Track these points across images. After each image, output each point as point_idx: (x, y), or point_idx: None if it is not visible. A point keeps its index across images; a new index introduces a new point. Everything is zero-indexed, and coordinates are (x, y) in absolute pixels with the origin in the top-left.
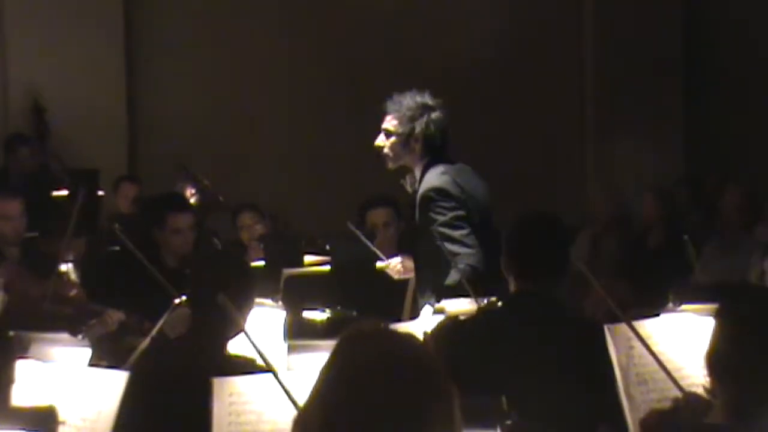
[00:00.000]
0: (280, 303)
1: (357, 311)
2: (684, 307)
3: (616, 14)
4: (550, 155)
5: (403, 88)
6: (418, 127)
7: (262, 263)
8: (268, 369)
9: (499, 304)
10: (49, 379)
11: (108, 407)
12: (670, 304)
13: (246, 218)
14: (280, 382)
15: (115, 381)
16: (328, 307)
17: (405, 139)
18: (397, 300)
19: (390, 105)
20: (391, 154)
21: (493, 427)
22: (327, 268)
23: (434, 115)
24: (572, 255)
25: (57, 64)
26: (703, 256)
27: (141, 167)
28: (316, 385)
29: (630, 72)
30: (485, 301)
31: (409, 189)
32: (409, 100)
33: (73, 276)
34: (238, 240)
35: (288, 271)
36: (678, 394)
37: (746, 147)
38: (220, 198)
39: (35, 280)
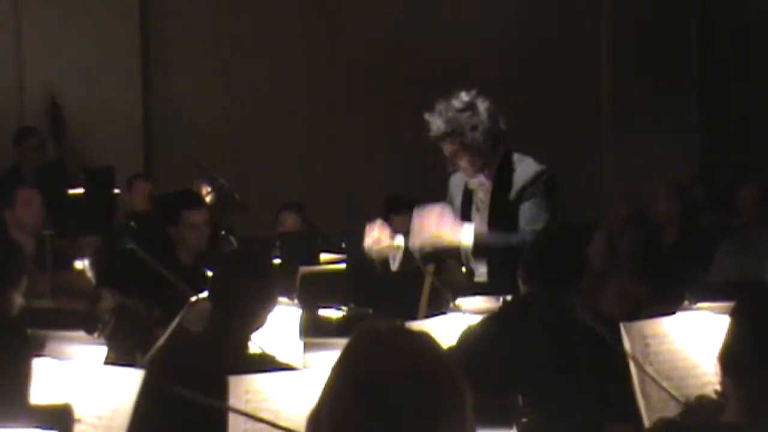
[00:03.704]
0: (296, 301)
1: (372, 309)
2: (700, 305)
3: (632, 12)
4: (565, 153)
5: (419, 83)
6: (481, 128)
7: (278, 261)
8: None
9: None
10: (64, 377)
11: (123, 405)
12: (686, 302)
13: (288, 218)
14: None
15: (131, 378)
16: (343, 305)
17: (477, 147)
18: (413, 298)
19: (439, 130)
20: (471, 167)
21: (509, 426)
22: (343, 266)
23: (483, 107)
24: (588, 253)
25: (73, 62)
26: (718, 253)
27: (157, 165)
28: (327, 384)
29: (645, 70)
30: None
31: (477, 184)
32: (452, 112)
33: (89, 274)
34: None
35: (304, 269)
36: (690, 393)
37: (762, 144)
38: (236, 196)
39: (45, 278)
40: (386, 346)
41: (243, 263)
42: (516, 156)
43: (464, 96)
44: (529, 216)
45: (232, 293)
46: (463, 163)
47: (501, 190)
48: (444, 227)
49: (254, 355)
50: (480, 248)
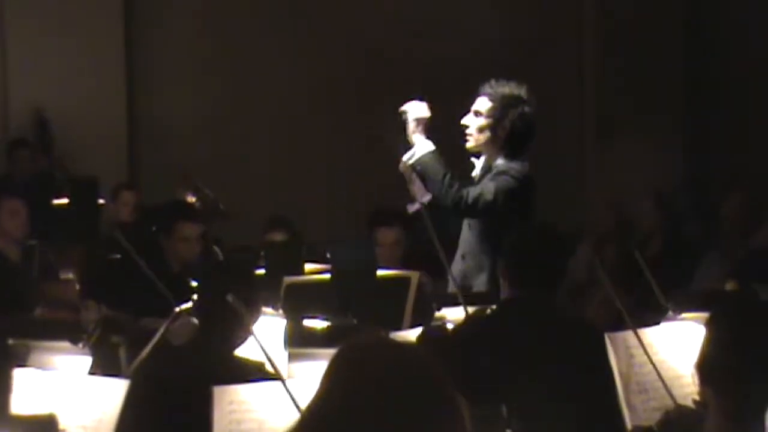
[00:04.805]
0: (280, 311)
1: (357, 319)
2: (684, 315)
3: (617, 17)
4: (549, 162)
5: (403, 90)
6: (510, 116)
7: (262, 271)
8: (276, 375)
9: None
10: (49, 387)
11: (108, 415)
12: (670, 312)
13: (276, 236)
14: (287, 390)
15: (115, 389)
16: (328, 315)
17: (493, 124)
18: (398, 308)
19: (486, 87)
20: (475, 135)
21: None
22: (327, 276)
23: (527, 109)
24: (573, 263)
25: (58, 74)
26: (703, 263)
27: (141, 175)
28: (314, 399)
29: (630, 77)
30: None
31: (474, 173)
32: (506, 88)
33: (75, 285)
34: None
35: (288, 279)
36: (678, 402)
37: (748, 152)
38: (221, 205)
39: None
40: (373, 357)
41: (225, 274)
42: (514, 160)
43: (524, 90)
44: (477, 187)
45: (216, 305)
46: (474, 125)
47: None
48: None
49: (240, 361)
50: (423, 165)
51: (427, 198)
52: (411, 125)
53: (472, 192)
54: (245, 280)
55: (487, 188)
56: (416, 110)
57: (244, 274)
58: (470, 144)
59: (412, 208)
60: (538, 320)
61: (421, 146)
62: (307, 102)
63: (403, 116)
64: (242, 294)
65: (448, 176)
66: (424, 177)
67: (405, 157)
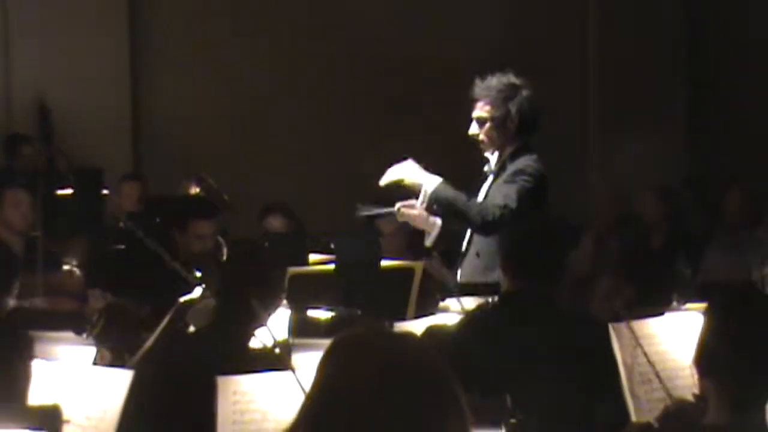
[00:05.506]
0: (284, 301)
1: (361, 310)
2: (688, 306)
3: (619, 12)
4: (552, 155)
5: (405, 86)
6: (513, 107)
7: None
8: (287, 365)
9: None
10: (53, 378)
11: (113, 406)
12: (674, 303)
13: (273, 222)
14: (298, 380)
15: (120, 379)
16: (332, 306)
17: (501, 122)
18: (402, 299)
19: (479, 91)
20: (487, 141)
21: (498, 425)
22: (331, 266)
23: (525, 93)
24: (576, 256)
25: (62, 65)
26: (707, 254)
27: (145, 166)
28: (311, 390)
29: (633, 70)
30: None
31: (486, 169)
32: (497, 82)
33: (78, 275)
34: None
35: (293, 270)
36: (679, 394)
37: (750, 146)
38: (225, 196)
39: (36, 280)
40: (372, 348)
41: (247, 260)
42: (527, 155)
43: (513, 76)
44: (497, 195)
45: (235, 289)
46: (482, 133)
47: (496, 181)
48: (413, 171)
49: (254, 351)
50: (439, 200)
51: (436, 230)
52: (411, 179)
53: (495, 206)
54: (267, 270)
55: (509, 196)
56: (405, 172)
57: (267, 265)
58: (488, 151)
59: (430, 240)
60: (539, 313)
61: (429, 183)
62: (311, 94)
63: (398, 183)
64: (263, 285)
65: (465, 199)
66: (444, 210)
67: (419, 202)
